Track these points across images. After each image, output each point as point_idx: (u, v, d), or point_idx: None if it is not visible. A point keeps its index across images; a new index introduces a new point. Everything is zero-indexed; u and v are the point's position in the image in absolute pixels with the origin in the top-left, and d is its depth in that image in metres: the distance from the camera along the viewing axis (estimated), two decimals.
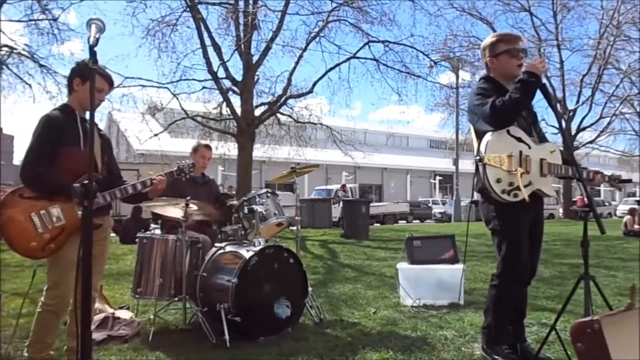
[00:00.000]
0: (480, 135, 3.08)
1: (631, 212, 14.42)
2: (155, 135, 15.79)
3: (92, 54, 1.79)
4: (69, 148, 2.80)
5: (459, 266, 4.93)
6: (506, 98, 2.91)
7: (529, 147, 3.03)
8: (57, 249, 2.74)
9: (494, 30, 21.56)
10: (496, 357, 3.08)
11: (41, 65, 13.89)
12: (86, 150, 2.82)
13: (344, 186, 21.39)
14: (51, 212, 2.74)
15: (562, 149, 3.29)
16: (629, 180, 3.60)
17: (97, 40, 1.83)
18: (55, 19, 13.52)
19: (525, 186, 2.95)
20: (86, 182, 1.80)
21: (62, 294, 2.79)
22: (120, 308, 4.45)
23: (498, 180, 2.94)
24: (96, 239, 2.77)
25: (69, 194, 2.69)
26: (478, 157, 3.00)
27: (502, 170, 2.94)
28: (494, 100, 2.93)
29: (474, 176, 3.14)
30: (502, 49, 3.10)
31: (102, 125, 22.80)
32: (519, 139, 3.02)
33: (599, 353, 1.29)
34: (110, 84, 3.03)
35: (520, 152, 2.99)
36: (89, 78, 2.77)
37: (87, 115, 2.97)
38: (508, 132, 3.00)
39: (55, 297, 2.80)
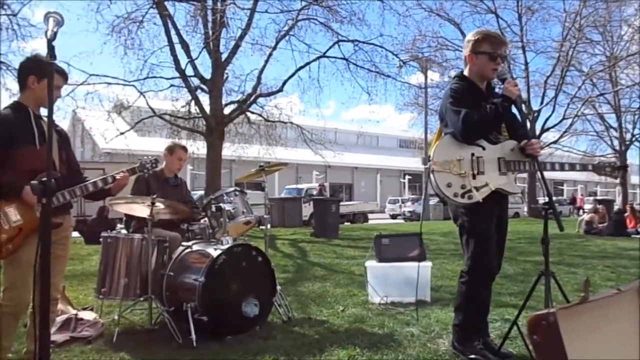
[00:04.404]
0: (440, 136, 3.17)
1: (594, 210, 14.85)
2: (122, 133, 15.47)
3: (50, 48, 1.75)
4: (22, 147, 2.71)
5: (427, 264, 5.00)
6: (479, 118, 2.98)
7: (483, 149, 3.09)
8: (14, 250, 2.67)
9: (462, 32, 21.97)
10: (469, 353, 3.12)
11: (0, 62, 13.42)
12: (42, 148, 2.74)
13: (322, 185, 21.38)
14: (8, 213, 2.65)
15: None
16: (625, 167, 3.52)
17: (55, 34, 1.79)
18: (14, 14, 13.07)
19: (481, 187, 3.02)
20: (44, 179, 1.76)
21: (19, 296, 2.71)
22: (84, 309, 4.35)
23: (449, 185, 3.01)
24: (57, 239, 2.70)
25: (17, 194, 2.62)
26: (428, 165, 3.08)
27: (452, 175, 3.02)
28: (467, 114, 2.98)
29: (427, 180, 3.19)
30: (484, 49, 3.12)
31: (65, 123, 22.22)
32: (471, 142, 3.09)
33: (554, 345, 1.33)
34: (65, 79, 2.96)
35: (472, 155, 3.05)
36: (46, 75, 2.70)
37: (42, 112, 2.89)
38: None
39: (12, 299, 2.72)
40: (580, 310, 1.45)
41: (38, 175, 2.64)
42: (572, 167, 3.44)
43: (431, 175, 3.06)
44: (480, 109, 3.07)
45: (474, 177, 3.04)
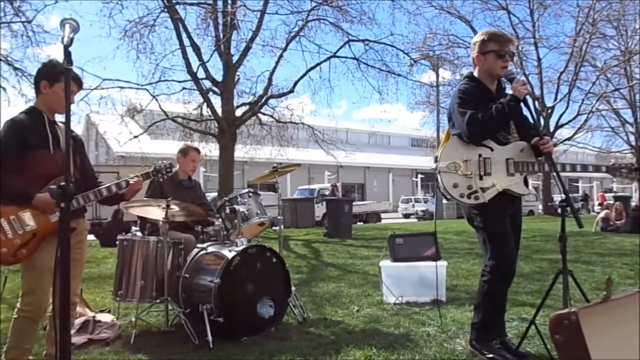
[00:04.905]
0: (448, 138, 3.15)
1: (607, 207, 14.64)
2: (135, 137, 15.60)
3: (67, 54, 1.77)
4: (37, 151, 2.74)
5: (442, 263, 4.97)
6: (485, 118, 2.96)
7: (491, 150, 3.07)
8: (29, 254, 2.69)
9: (473, 29, 21.81)
10: (486, 352, 3.09)
11: (15, 68, 13.61)
12: (56, 153, 2.78)
13: (334, 186, 21.40)
14: (22, 217, 2.67)
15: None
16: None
17: (71, 40, 1.80)
18: (29, 21, 13.25)
19: (487, 188, 3.00)
20: (63, 184, 1.77)
21: (38, 300, 2.74)
22: (102, 311, 4.39)
23: (455, 186, 3.01)
24: (72, 243, 2.72)
25: (29, 202, 2.64)
26: (435, 166, 3.08)
27: (458, 175, 3.02)
28: (473, 115, 2.97)
29: (435, 181, 3.18)
30: (491, 48, 3.11)
31: (80, 127, 22.49)
32: (479, 143, 3.07)
33: (576, 344, 1.31)
34: (80, 85, 2.97)
35: (479, 156, 3.04)
36: (57, 80, 2.74)
37: (57, 117, 2.92)
38: None
39: (31, 303, 2.74)
40: (602, 309, 1.43)
41: (52, 180, 2.68)
42: (585, 168, 3.37)
43: (438, 176, 3.06)
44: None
45: (480, 177, 3.03)
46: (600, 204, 32.00)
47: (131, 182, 2.99)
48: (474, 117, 2.97)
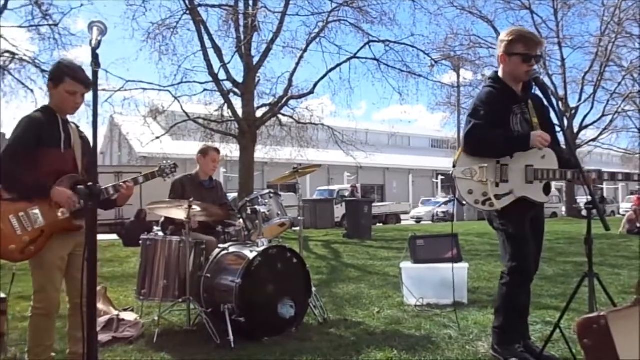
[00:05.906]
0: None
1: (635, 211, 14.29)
2: (157, 138, 15.78)
3: (95, 56, 1.80)
4: (48, 149, 2.78)
5: (463, 265, 4.92)
6: (487, 137, 2.95)
7: (511, 157, 3.02)
8: (36, 251, 2.71)
9: (495, 29, 21.55)
10: (509, 356, 3.05)
11: (43, 71, 13.92)
12: (67, 152, 2.84)
13: (354, 187, 21.35)
14: (30, 214, 2.69)
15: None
16: None
17: (99, 42, 1.84)
18: (56, 24, 13.55)
19: (503, 195, 2.97)
20: (90, 184, 1.81)
21: (49, 297, 2.78)
22: (125, 310, 4.45)
23: (470, 192, 3.00)
24: (80, 242, 2.75)
25: (42, 195, 2.67)
26: (451, 172, 3.07)
27: (473, 182, 2.99)
28: (475, 126, 2.96)
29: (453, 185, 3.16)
30: (517, 50, 3.03)
31: (104, 128, 22.85)
32: None
33: (605, 349, 1.29)
34: (87, 88, 2.88)
35: (497, 162, 3.00)
36: (61, 81, 2.77)
37: (69, 117, 2.96)
38: None
39: (43, 300, 2.78)
40: (632, 313, 1.40)
41: (60, 178, 2.73)
42: (613, 176, 3.25)
43: (454, 182, 3.05)
44: (510, 114, 3.03)
45: (497, 185, 2.99)
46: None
47: (122, 188, 2.94)
48: (476, 131, 2.96)
